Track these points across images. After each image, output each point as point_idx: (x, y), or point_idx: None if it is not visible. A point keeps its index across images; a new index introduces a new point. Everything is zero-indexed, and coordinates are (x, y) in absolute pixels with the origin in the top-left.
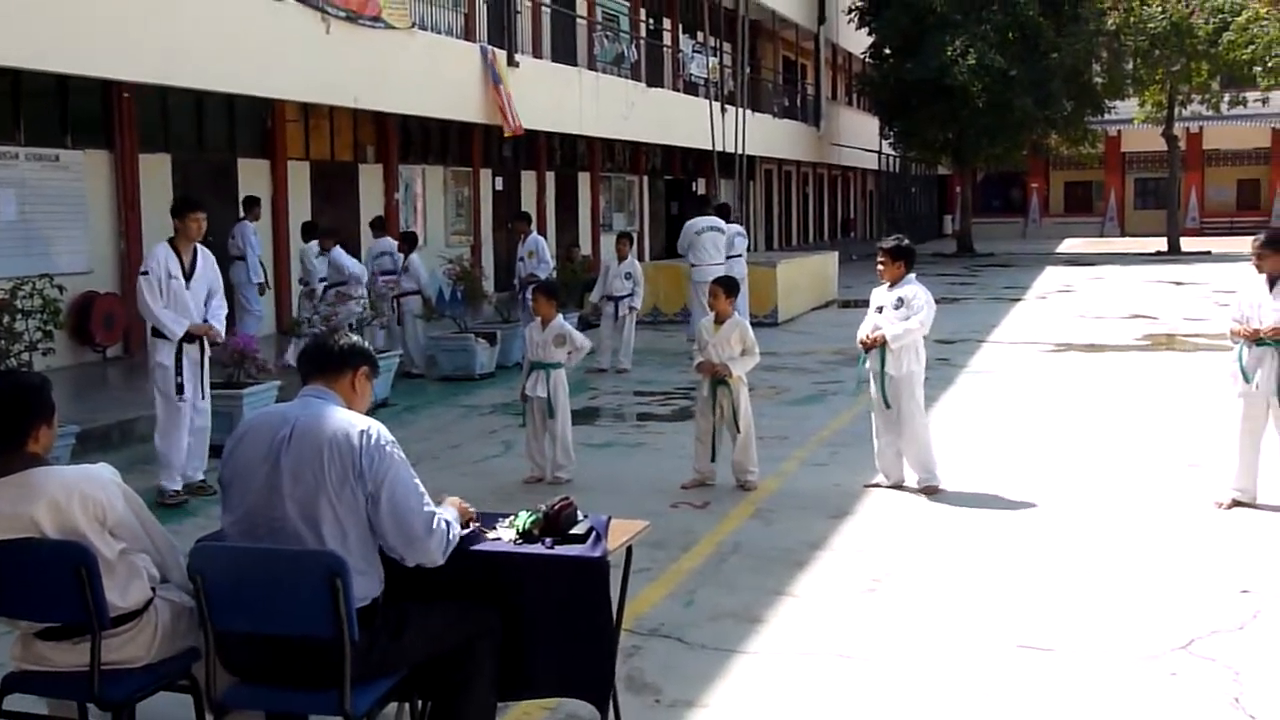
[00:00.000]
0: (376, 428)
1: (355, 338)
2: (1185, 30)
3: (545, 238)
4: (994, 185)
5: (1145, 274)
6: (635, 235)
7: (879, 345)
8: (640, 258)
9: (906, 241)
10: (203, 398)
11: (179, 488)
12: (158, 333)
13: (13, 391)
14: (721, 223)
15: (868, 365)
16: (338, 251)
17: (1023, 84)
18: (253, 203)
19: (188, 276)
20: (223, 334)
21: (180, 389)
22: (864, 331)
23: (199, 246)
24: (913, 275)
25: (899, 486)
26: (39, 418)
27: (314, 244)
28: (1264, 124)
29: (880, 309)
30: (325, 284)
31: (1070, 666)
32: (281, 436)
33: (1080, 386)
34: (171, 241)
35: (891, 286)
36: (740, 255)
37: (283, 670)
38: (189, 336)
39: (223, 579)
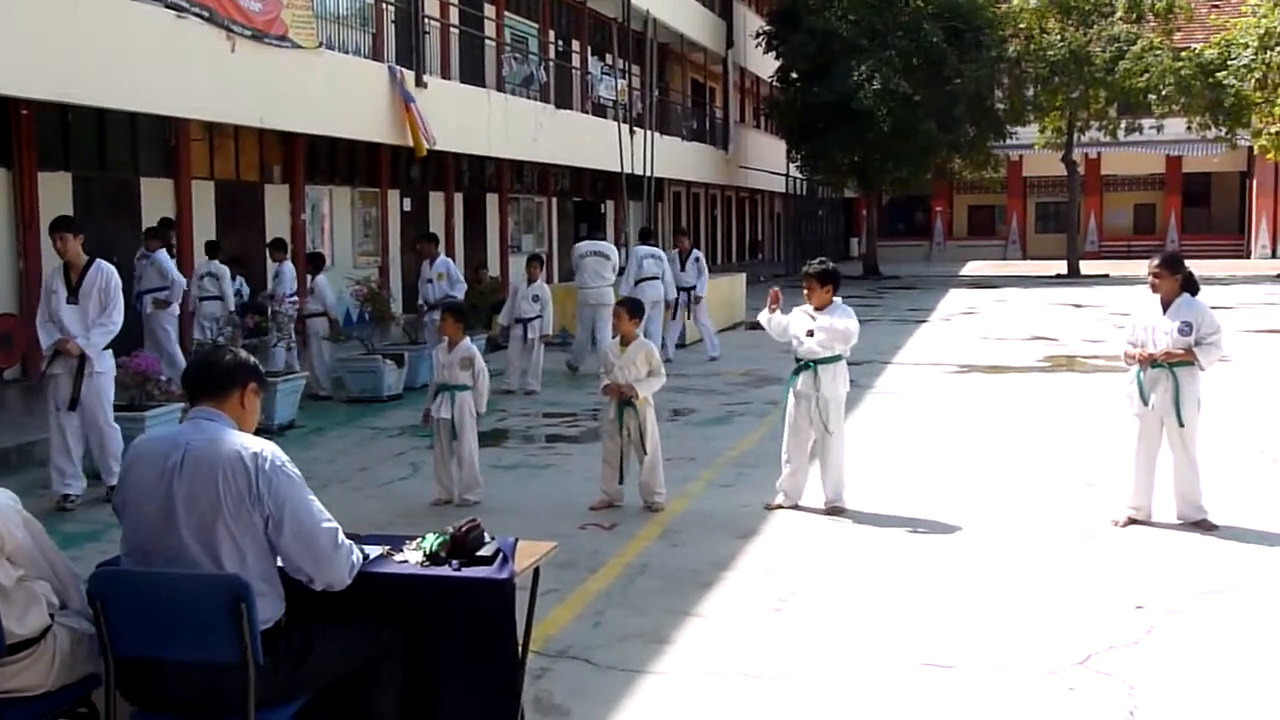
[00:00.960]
0: (270, 449)
1: (241, 352)
2: (1084, 58)
3: (454, 259)
4: (899, 208)
5: (1046, 296)
6: (545, 257)
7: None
8: (549, 279)
9: (833, 265)
10: (72, 409)
11: (67, 492)
12: None
13: None
14: (603, 245)
15: (799, 387)
16: (161, 255)
17: (927, 109)
18: (166, 226)
19: (72, 292)
20: (93, 355)
21: (73, 403)
22: (799, 352)
23: (98, 263)
24: (839, 299)
25: (797, 507)
26: None
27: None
28: (1159, 150)
29: (811, 333)
30: (144, 291)
31: (972, 683)
32: (173, 463)
33: (982, 407)
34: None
35: (817, 310)
36: (653, 278)
37: (185, 697)
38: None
39: (123, 604)
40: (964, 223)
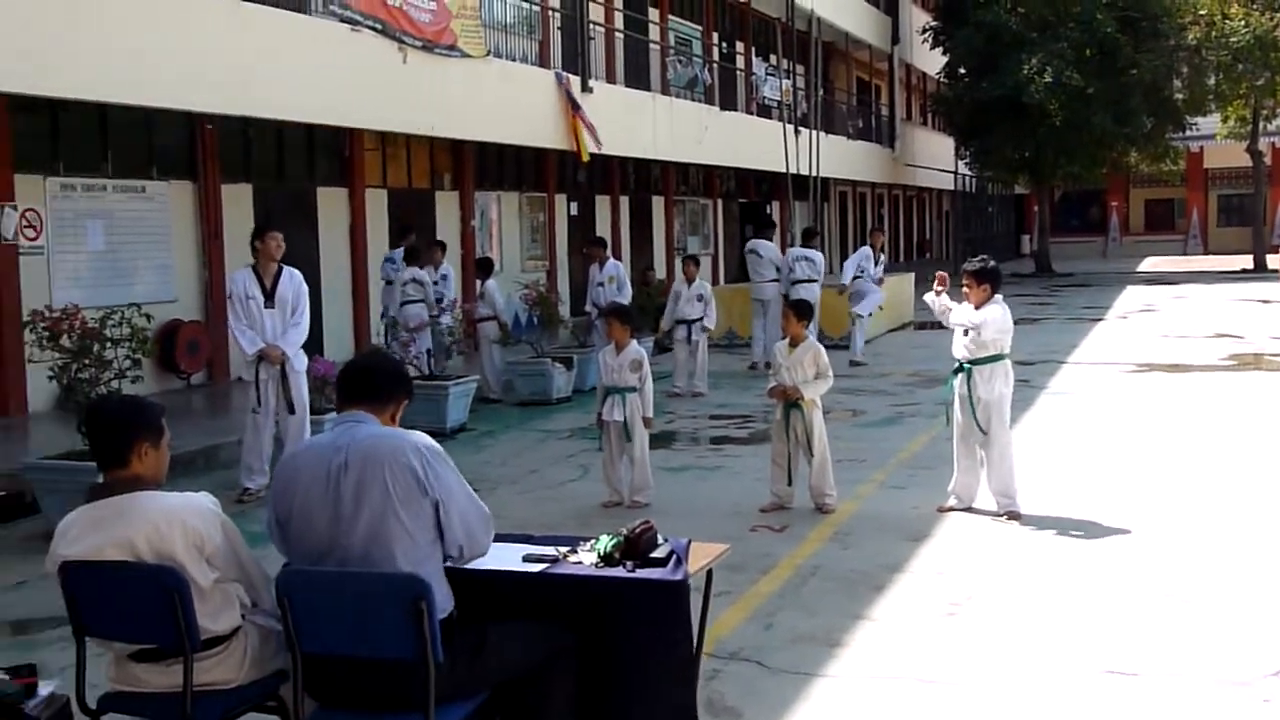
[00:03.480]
0: (426, 439)
1: (404, 365)
2: (1269, 44)
3: (620, 261)
4: (1072, 204)
5: (1230, 292)
6: (699, 258)
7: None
8: (714, 281)
9: (992, 263)
10: (292, 413)
11: (250, 486)
12: None
13: (115, 409)
14: (760, 243)
15: (956, 388)
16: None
17: (1101, 101)
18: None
19: (268, 297)
20: (291, 355)
21: (258, 401)
22: (955, 352)
23: (286, 268)
24: (999, 296)
25: (970, 510)
26: (141, 437)
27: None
28: None
29: (967, 331)
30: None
31: (1157, 692)
32: (338, 464)
33: (1163, 408)
34: (254, 266)
35: (978, 308)
36: (806, 280)
37: (366, 694)
38: (264, 354)
39: (308, 603)
40: (1140, 217)
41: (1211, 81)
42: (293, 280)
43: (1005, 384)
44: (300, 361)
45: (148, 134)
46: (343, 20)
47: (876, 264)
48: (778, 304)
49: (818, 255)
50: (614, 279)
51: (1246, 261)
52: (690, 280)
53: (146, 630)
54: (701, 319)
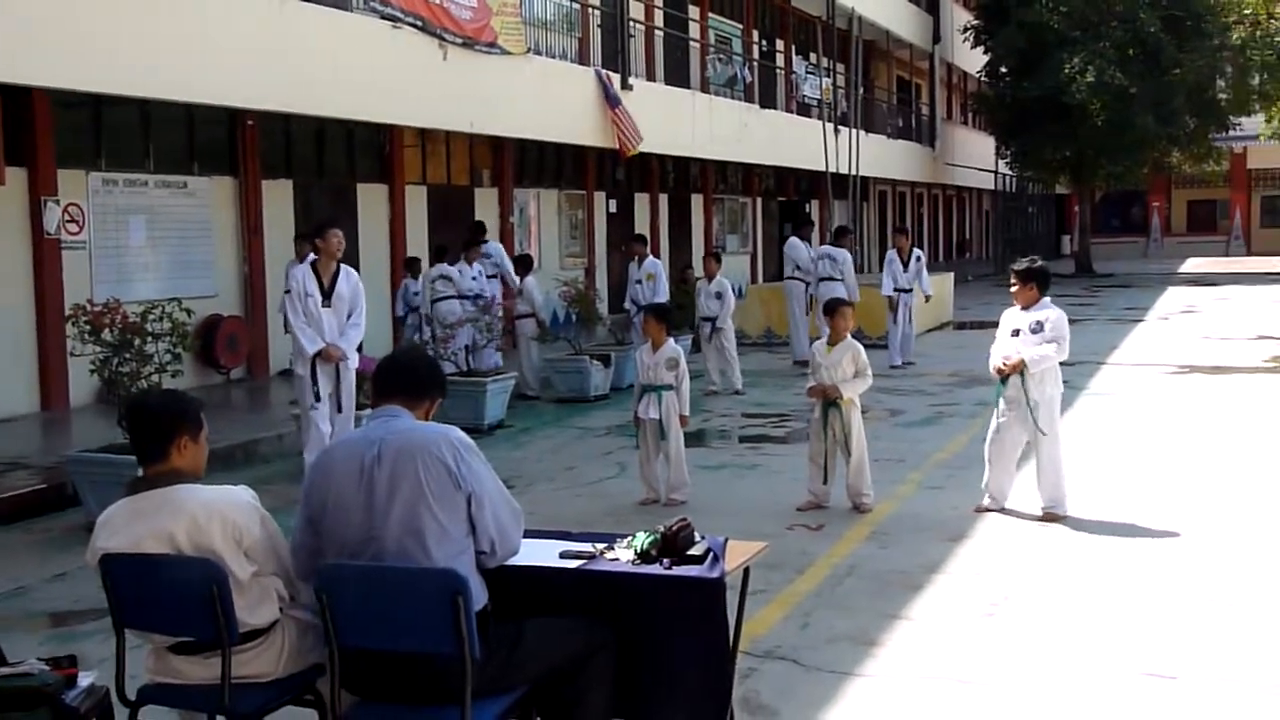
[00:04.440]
0: (459, 432)
1: (440, 364)
2: None
3: (658, 259)
4: (1113, 204)
5: (1274, 294)
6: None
7: (1017, 370)
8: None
9: (1040, 263)
10: (339, 410)
11: None
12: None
13: (156, 403)
14: (791, 241)
15: (1008, 391)
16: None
17: (1143, 101)
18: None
19: (326, 295)
20: (348, 355)
21: (317, 397)
22: (998, 357)
23: (344, 267)
24: (1048, 298)
25: (1004, 510)
26: (180, 431)
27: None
28: None
29: (1016, 332)
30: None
31: (1198, 695)
32: (371, 458)
33: (1205, 409)
34: (314, 263)
35: (1026, 309)
36: (828, 278)
37: (403, 687)
38: (323, 353)
39: (346, 597)
40: (1183, 218)
41: (1255, 81)
42: (349, 279)
43: (1055, 386)
44: (354, 360)
45: (189, 130)
46: (383, 17)
47: (906, 269)
48: (802, 301)
49: (842, 253)
50: (651, 276)
51: None
52: (711, 277)
53: (185, 622)
54: (717, 317)
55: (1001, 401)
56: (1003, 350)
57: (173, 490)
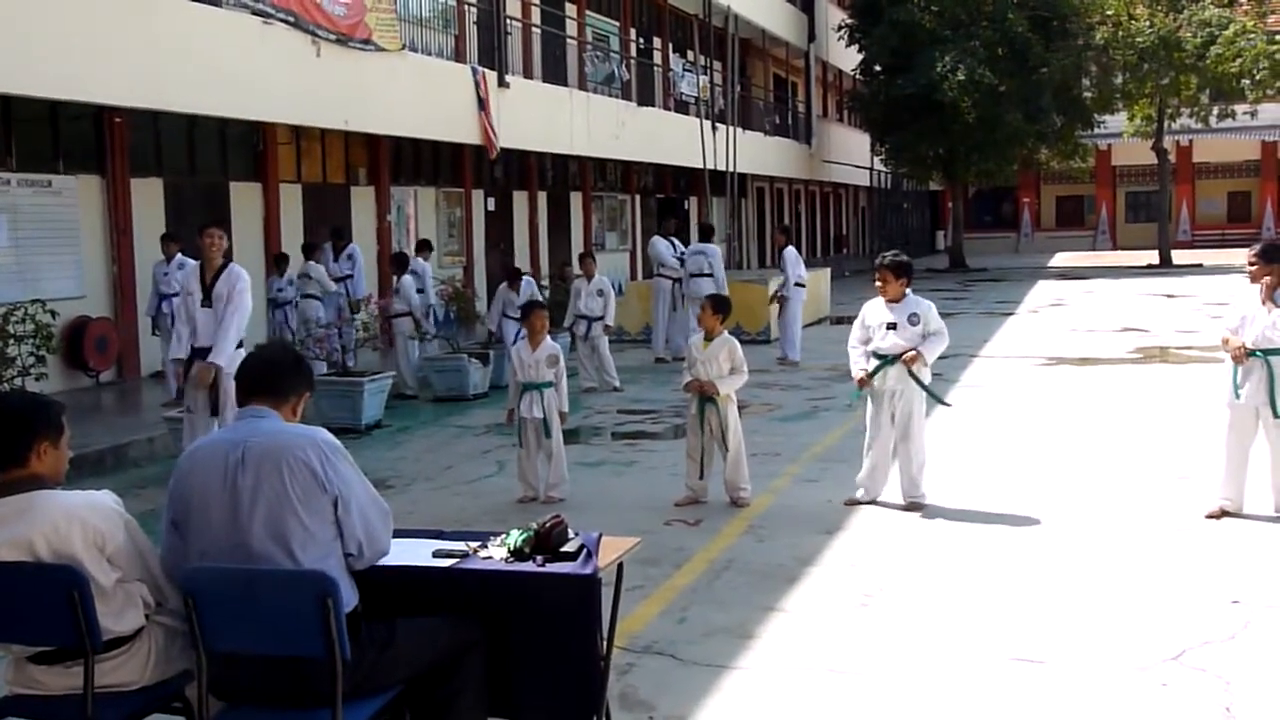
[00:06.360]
0: (326, 434)
1: (305, 360)
2: (1173, 44)
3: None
4: (986, 200)
5: (1137, 287)
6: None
7: (914, 364)
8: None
9: (905, 256)
10: (214, 414)
11: None
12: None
13: (15, 408)
14: (654, 240)
15: (888, 384)
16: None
17: (1012, 99)
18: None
19: (206, 294)
20: (222, 363)
21: (188, 409)
22: (882, 347)
23: (232, 267)
24: (911, 290)
25: (875, 502)
26: (40, 436)
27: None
28: (1253, 136)
29: (893, 325)
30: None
31: (1063, 678)
32: (234, 460)
33: (1072, 400)
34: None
35: (895, 302)
36: (698, 274)
37: (274, 691)
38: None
39: (215, 600)
40: (1052, 214)
41: (1119, 80)
42: (230, 279)
43: (925, 376)
44: (232, 366)
45: (54, 127)
46: (254, 13)
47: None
48: (666, 297)
49: (712, 249)
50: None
51: (1153, 257)
52: (589, 276)
53: (45, 631)
54: (603, 316)
55: (871, 395)
56: (885, 345)
57: (32, 496)
